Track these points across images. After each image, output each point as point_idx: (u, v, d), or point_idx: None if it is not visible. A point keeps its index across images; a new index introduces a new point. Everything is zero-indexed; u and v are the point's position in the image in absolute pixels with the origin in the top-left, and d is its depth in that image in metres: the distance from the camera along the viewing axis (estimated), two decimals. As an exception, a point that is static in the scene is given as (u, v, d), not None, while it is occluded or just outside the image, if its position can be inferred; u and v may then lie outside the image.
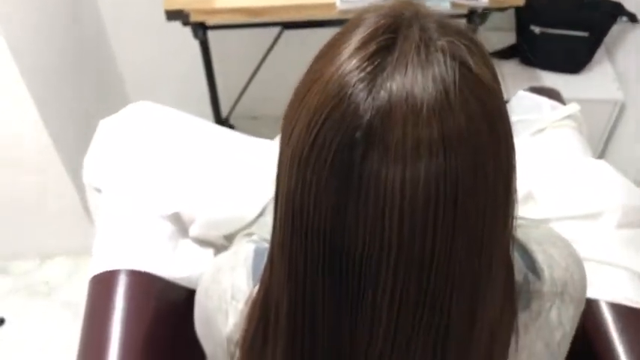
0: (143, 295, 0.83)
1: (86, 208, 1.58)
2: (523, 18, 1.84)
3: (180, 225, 0.95)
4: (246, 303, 0.59)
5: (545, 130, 0.99)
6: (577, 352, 0.68)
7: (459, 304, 0.46)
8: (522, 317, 0.57)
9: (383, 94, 0.40)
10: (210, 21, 1.49)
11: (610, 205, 0.87)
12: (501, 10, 1.55)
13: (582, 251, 0.67)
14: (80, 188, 1.49)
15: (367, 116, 0.40)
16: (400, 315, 0.45)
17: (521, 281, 0.58)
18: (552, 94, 1.07)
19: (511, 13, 1.86)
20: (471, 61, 0.42)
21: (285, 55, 1.77)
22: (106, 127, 1.02)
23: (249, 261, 0.64)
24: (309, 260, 0.46)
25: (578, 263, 0.62)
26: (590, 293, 0.81)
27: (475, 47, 0.44)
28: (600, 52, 1.87)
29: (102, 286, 0.83)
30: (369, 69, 0.41)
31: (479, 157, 0.41)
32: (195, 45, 1.63)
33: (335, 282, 0.46)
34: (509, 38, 1.91)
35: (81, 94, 1.70)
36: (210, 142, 1.03)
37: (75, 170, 1.51)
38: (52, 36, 1.53)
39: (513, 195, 0.47)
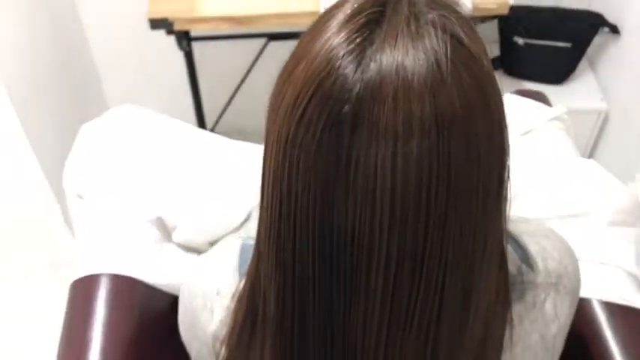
0: (125, 301, 0.81)
1: (67, 220, 1.55)
2: (506, 29, 1.86)
3: (165, 230, 0.93)
4: (232, 298, 0.57)
5: (534, 131, 0.99)
6: (571, 352, 0.66)
7: (452, 288, 0.44)
8: (517, 308, 0.55)
9: (373, 66, 0.39)
10: (195, 29, 1.48)
11: (600, 204, 0.86)
12: (484, 20, 1.56)
13: (574, 250, 0.66)
14: (60, 197, 1.46)
15: (356, 89, 0.39)
16: (394, 300, 0.44)
17: (514, 272, 0.56)
18: (538, 97, 1.07)
19: (494, 24, 1.88)
20: (462, 34, 0.41)
21: (271, 68, 1.76)
22: (87, 131, 1.00)
23: (236, 256, 0.62)
24: (297, 246, 0.44)
25: (571, 255, 0.61)
26: (583, 292, 0.80)
27: (464, 22, 0.43)
28: (583, 63, 1.89)
29: (82, 290, 0.80)
30: (357, 41, 0.40)
31: (472, 133, 0.40)
32: (179, 57, 1.62)
33: (326, 267, 0.44)
34: (492, 50, 1.93)
35: (62, 104, 1.68)
36: (194, 146, 1.01)
37: (55, 179, 1.48)
38: (33, 44, 1.51)
39: (506, 177, 0.46)
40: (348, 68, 0.39)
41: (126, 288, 0.81)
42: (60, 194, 1.27)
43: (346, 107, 0.39)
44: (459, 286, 0.45)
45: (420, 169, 0.39)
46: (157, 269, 0.87)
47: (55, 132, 1.58)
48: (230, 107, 1.82)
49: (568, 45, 1.82)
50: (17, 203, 1.61)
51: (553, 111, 1.02)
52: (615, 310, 0.78)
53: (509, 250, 0.57)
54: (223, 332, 0.57)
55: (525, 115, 1.01)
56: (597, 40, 1.84)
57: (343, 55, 0.39)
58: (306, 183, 0.41)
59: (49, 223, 1.62)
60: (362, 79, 0.39)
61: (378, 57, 0.39)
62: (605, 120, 1.86)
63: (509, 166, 0.47)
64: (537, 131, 0.98)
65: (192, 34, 1.61)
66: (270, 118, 0.44)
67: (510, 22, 1.75)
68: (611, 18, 1.80)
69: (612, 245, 0.83)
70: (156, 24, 1.37)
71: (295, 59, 0.43)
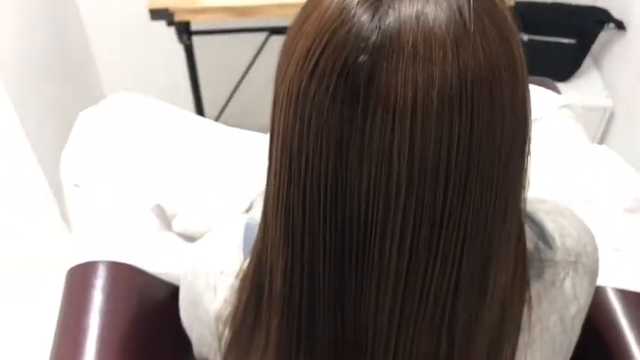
0: (123, 288, 0.78)
1: (64, 217, 1.52)
2: (510, 26, 1.84)
3: (164, 218, 0.90)
4: (236, 277, 0.54)
5: (544, 119, 0.96)
6: (585, 340, 0.64)
7: (470, 260, 0.42)
8: (535, 287, 0.53)
9: (390, 13, 0.36)
10: (195, 20, 1.46)
11: (615, 191, 0.83)
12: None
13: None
14: (59, 194, 1.43)
15: (372, 38, 0.36)
16: (409, 272, 0.41)
17: (532, 249, 0.54)
18: (547, 85, 1.05)
19: (498, 21, 1.86)
20: None
21: (272, 62, 1.74)
22: (85, 119, 0.97)
23: (240, 235, 0.59)
24: (307, 212, 0.42)
25: (589, 234, 0.58)
26: (598, 280, 0.77)
27: None
28: (587, 60, 1.87)
29: (79, 277, 0.77)
30: None
31: (497, 87, 0.38)
32: (179, 53, 1.60)
33: (337, 237, 0.41)
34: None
35: (59, 98, 1.65)
36: (193, 133, 0.98)
37: (54, 177, 1.45)
38: (32, 37, 1.49)
39: (529, 143, 0.44)
40: (363, 16, 0.36)
41: (124, 276, 0.78)
42: (59, 191, 1.24)
43: (362, 57, 0.36)
44: (477, 258, 0.42)
45: (441, 124, 0.36)
46: (156, 257, 0.84)
47: (53, 126, 1.56)
48: (231, 102, 1.80)
49: (573, 41, 1.80)
50: (16, 201, 1.58)
51: (562, 98, 0.99)
52: (631, 298, 0.75)
53: (526, 227, 0.54)
54: (227, 312, 0.54)
55: (535, 102, 0.98)
56: (602, 36, 1.82)
57: (358, 3, 0.37)
58: (318, 142, 0.38)
59: (48, 222, 1.60)
60: (379, 27, 0.36)
61: (396, 4, 0.36)
62: (611, 117, 1.84)
63: (530, 136, 0.44)
64: (547, 119, 0.96)
65: (193, 27, 1.59)
66: (279, 77, 0.42)
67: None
68: (616, 14, 1.79)
69: (628, 232, 0.81)
70: (156, 14, 1.35)
71: (306, 13, 0.40)
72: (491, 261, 0.43)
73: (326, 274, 0.43)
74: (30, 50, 1.47)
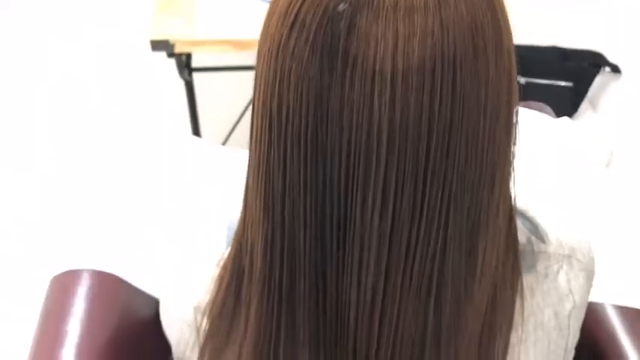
0: (107, 298, 0.75)
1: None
2: (508, 69, 1.86)
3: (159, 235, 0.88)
4: (217, 265, 0.53)
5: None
6: (585, 355, 0.61)
7: (457, 225, 0.40)
8: (528, 279, 0.51)
9: None
10: (196, 52, 1.48)
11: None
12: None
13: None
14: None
15: None
16: (393, 238, 0.39)
17: (524, 242, 0.52)
18: (543, 110, 1.05)
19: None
20: None
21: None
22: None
23: (222, 232, 0.58)
24: (287, 178, 0.41)
25: (582, 232, 0.57)
26: (596, 297, 0.75)
27: None
28: (584, 103, 1.89)
29: (62, 285, 0.75)
30: None
31: (479, 38, 0.37)
32: (179, 91, 1.62)
33: (317, 200, 0.40)
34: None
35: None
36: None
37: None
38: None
39: (515, 112, 0.43)
40: None
41: (109, 286, 0.76)
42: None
43: (342, 5, 0.36)
44: (463, 224, 0.41)
45: (422, 73, 0.35)
46: (145, 272, 0.82)
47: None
48: (231, 139, 1.81)
49: (570, 84, 1.83)
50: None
51: (560, 122, 0.99)
52: (632, 315, 0.73)
53: (517, 222, 0.53)
54: (205, 303, 0.52)
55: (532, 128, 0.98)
56: (597, 80, 1.84)
57: None
58: (298, 94, 0.38)
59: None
60: None
61: None
62: (610, 158, 1.84)
63: (517, 108, 0.43)
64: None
65: (194, 64, 1.61)
66: (261, 42, 0.41)
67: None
68: (610, 57, 1.81)
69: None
70: (157, 46, 1.37)
71: None
72: (480, 231, 0.42)
73: (307, 248, 0.42)
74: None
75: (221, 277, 0.51)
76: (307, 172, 0.39)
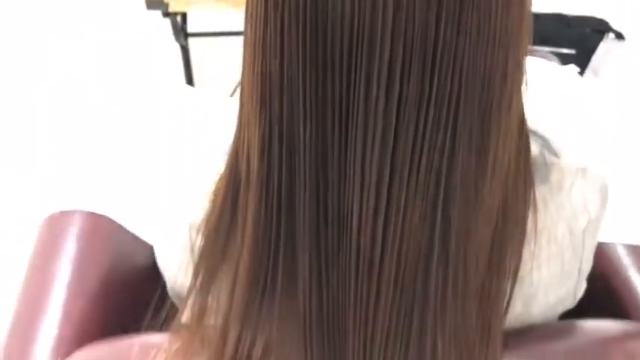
0: (101, 241, 0.73)
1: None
2: (510, 37, 1.84)
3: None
4: (213, 183, 0.50)
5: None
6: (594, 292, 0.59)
7: (467, 109, 0.38)
8: (541, 190, 0.48)
9: None
10: (191, 11, 1.45)
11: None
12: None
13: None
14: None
15: None
16: (399, 119, 0.37)
17: (536, 154, 0.49)
18: (547, 58, 1.02)
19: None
20: None
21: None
22: None
23: (219, 158, 0.55)
24: (285, 62, 0.38)
25: (594, 150, 0.55)
26: (606, 237, 0.72)
27: None
28: (587, 71, 1.86)
29: (53, 226, 0.72)
30: None
31: None
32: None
33: (318, 85, 0.37)
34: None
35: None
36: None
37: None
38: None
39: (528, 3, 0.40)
40: None
41: (103, 228, 0.73)
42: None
43: None
44: (474, 115, 0.38)
45: None
46: (143, 219, 0.79)
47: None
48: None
49: (573, 51, 1.80)
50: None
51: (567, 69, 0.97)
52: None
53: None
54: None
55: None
56: (601, 47, 1.82)
57: None
58: None
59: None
60: None
61: None
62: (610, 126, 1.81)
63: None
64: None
65: (190, 29, 1.58)
66: None
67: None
68: (615, 24, 1.79)
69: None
70: (151, 4, 1.34)
71: None
72: (492, 126, 0.39)
73: (306, 144, 0.39)
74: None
75: (217, 191, 0.49)
76: (307, 51, 0.37)
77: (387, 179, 0.39)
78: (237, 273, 0.48)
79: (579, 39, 1.79)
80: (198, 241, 0.50)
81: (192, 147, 0.84)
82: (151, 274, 0.63)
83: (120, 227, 0.75)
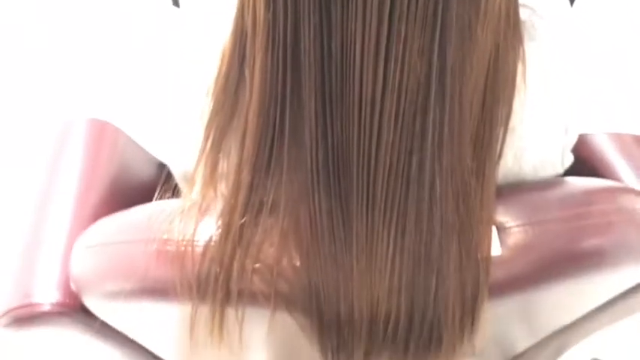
0: (106, 147, 0.75)
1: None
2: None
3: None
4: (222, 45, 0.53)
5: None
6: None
7: None
8: (530, 47, 0.53)
9: None
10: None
11: None
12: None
13: None
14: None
15: None
16: None
17: (525, 17, 0.54)
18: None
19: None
20: None
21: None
22: None
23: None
24: None
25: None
26: (588, 129, 0.76)
27: None
28: None
29: (59, 132, 0.74)
30: None
31: None
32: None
33: None
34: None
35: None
36: None
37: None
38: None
39: None
40: None
41: (108, 135, 0.76)
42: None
43: None
44: None
45: None
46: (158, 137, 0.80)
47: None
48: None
49: None
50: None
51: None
52: (623, 139, 0.75)
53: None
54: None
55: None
56: None
57: None
58: None
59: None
60: None
61: None
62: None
63: None
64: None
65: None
66: None
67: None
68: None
69: None
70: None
71: None
72: None
73: None
74: None
75: (224, 51, 0.52)
76: None
77: (387, 10, 0.42)
78: (246, 126, 0.51)
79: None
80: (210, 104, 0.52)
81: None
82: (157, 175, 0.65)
83: (125, 135, 0.77)
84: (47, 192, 0.68)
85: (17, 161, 1.40)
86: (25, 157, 1.27)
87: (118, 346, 0.65)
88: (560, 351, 0.70)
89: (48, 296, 0.60)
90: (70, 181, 0.69)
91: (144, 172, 0.76)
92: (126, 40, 0.88)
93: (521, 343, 0.69)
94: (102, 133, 0.75)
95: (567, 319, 0.64)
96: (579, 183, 0.59)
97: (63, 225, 0.65)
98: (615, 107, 0.80)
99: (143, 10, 0.97)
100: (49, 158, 0.72)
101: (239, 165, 0.52)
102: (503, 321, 0.61)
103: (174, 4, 1.28)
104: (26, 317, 0.59)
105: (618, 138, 0.74)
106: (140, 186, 0.74)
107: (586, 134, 0.74)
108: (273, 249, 0.52)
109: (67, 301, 0.60)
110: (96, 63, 0.86)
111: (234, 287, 0.53)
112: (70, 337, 0.62)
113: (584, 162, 0.67)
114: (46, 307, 0.59)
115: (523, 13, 0.53)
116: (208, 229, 0.54)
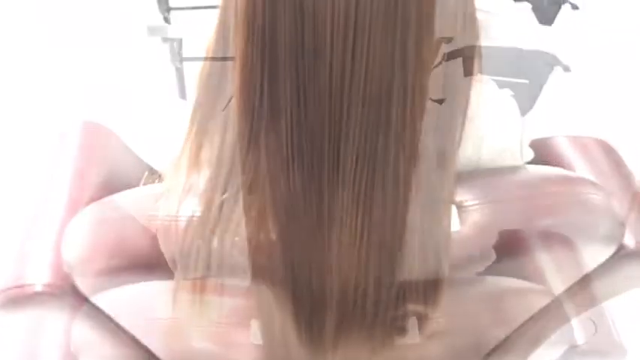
0: (99, 149, 0.80)
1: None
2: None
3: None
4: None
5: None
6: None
7: None
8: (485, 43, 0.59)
9: None
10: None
11: None
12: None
13: None
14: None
15: None
16: None
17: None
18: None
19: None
20: None
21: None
22: None
23: None
24: None
25: None
26: (549, 132, 0.82)
27: None
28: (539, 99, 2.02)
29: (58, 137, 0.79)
30: None
31: None
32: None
33: None
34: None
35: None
36: None
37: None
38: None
39: None
40: None
41: (101, 137, 0.81)
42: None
43: None
44: None
45: None
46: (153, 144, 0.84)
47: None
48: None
49: (526, 81, 1.96)
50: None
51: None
52: (581, 142, 0.80)
53: None
54: None
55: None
56: (550, 78, 1.99)
57: None
58: None
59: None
60: None
61: None
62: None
63: None
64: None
65: (185, 54, 1.67)
66: None
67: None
68: (563, 58, 1.97)
69: None
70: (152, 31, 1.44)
71: None
72: None
73: None
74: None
75: (208, 46, 0.57)
76: None
77: (354, 5, 0.47)
78: (228, 113, 0.56)
79: (532, 70, 1.97)
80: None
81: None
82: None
83: (118, 138, 0.81)
84: (43, 187, 0.72)
85: (15, 161, 1.43)
86: (24, 157, 1.30)
87: (108, 333, 0.68)
88: (536, 342, 0.72)
89: (40, 277, 0.63)
90: (64, 179, 0.73)
91: (135, 173, 0.81)
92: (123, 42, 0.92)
93: (493, 333, 0.72)
94: (96, 135, 0.80)
95: (535, 305, 0.67)
96: (538, 170, 0.64)
97: (56, 214, 0.69)
98: (577, 110, 0.85)
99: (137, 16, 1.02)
100: (46, 158, 0.76)
101: (221, 148, 0.57)
102: (469, 302, 0.64)
103: (165, 22, 1.36)
104: (19, 298, 0.63)
105: (579, 141, 0.80)
106: (131, 185, 0.78)
107: (547, 137, 0.79)
108: (251, 224, 0.56)
109: (59, 282, 0.63)
110: (92, 66, 0.90)
111: (214, 260, 0.57)
112: (61, 318, 0.65)
113: (546, 164, 0.72)
114: (38, 288, 0.63)
115: (480, 15, 0.60)
116: (191, 207, 0.58)
